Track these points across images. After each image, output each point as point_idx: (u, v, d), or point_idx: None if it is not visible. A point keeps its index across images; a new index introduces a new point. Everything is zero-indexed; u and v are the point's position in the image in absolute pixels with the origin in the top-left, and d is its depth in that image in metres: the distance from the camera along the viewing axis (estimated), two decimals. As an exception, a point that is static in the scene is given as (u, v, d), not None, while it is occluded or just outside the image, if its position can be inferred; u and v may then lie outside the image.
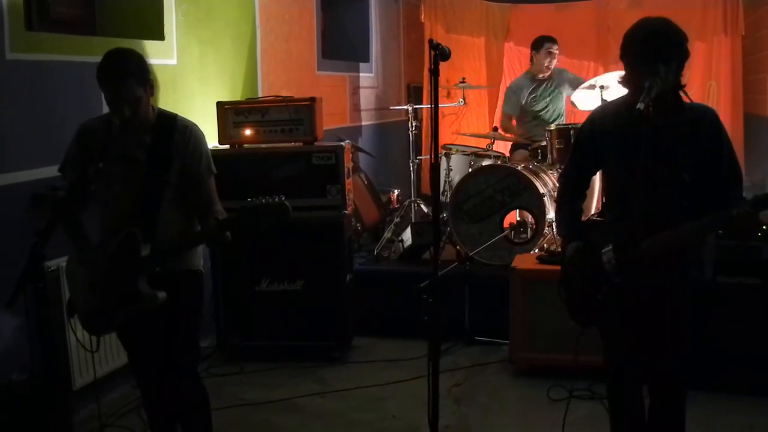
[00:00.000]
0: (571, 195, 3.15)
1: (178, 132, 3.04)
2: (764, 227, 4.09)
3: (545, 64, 6.71)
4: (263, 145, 5.07)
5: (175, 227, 3.05)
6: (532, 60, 6.87)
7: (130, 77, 2.90)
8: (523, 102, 6.82)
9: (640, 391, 3.06)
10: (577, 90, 6.30)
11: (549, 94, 6.80)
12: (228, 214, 3.00)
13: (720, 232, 3.86)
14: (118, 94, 2.89)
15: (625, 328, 2.93)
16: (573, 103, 6.63)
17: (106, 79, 2.92)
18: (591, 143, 3.02)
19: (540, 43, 6.75)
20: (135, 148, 3.02)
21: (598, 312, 2.95)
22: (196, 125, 3.13)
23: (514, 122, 6.97)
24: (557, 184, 5.85)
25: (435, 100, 2.77)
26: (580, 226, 3.10)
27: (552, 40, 6.71)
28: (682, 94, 2.83)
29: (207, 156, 3.11)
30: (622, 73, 2.91)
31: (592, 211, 5.26)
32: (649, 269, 2.78)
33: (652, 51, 2.74)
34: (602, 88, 5.90)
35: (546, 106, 6.80)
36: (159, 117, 3.07)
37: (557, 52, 6.71)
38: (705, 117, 2.84)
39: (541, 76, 6.77)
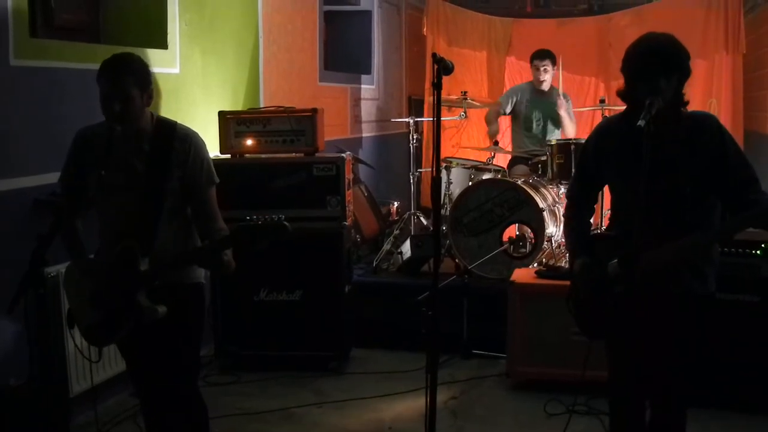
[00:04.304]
0: (578, 210, 3.17)
1: (177, 140, 2.96)
2: (762, 245, 4.10)
3: (537, 77, 6.72)
4: (264, 156, 5.08)
5: (175, 240, 2.99)
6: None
7: (128, 75, 2.85)
8: (518, 105, 6.80)
9: (642, 406, 3.05)
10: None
11: (544, 109, 6.74)
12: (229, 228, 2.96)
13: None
14: (112, 88, 2.83)
15: (629, 340, 2.93)
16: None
17: (103, 73, 2.87)
18: (594, 158, 3.04)
19: (531, 59, 6.81)
20: (133, 156, 2.95)
21: (605, 325, 2.96)
22: (196, 133, 3.05)
23: (500, 121, 6.96)
24: (557, 199, 5.90)
25: (437, 113, 2.77)
26: (588, 240, 3.10)
27: (541, 57, 6.67)
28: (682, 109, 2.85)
29: (208, 164, 3.03)
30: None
31: (593, 226, 5.27)
32: (651, 282, 2.77)
33: (652, 66, 2.74)
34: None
35: (539, 120, 6.75)
36: (158, 124, 2.99)
37: (548, 67, 6.64)
38: (704, 125, 2.84)
39: (540, 88, 6.76)
